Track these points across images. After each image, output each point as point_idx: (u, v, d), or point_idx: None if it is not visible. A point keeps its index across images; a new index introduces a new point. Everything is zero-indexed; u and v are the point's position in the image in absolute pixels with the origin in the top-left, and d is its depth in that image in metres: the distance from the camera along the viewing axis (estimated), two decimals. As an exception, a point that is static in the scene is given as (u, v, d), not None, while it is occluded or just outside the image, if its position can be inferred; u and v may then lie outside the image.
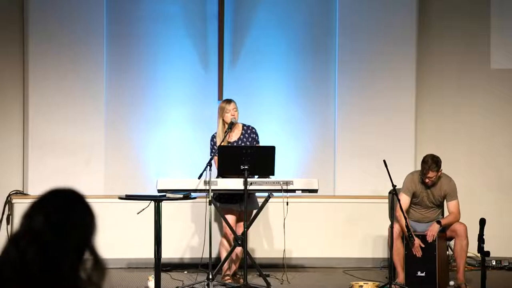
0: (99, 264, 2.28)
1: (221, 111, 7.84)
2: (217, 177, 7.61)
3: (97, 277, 2.27)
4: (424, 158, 7.80)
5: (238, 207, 7.77)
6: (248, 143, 7.86)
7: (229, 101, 7.86)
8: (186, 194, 7.38)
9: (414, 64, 9.22)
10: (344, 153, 9.19)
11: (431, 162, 7.71)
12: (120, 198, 7.39)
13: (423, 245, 7.70)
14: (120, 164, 9.06)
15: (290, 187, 7.50)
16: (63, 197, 2.33)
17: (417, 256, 7.70)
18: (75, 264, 2.27)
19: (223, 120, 7.83)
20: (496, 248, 8.48)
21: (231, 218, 7.76)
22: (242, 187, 7.39)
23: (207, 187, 7.35)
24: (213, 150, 7.83)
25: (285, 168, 8.77)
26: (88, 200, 2.36)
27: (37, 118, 8.91)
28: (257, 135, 7.93)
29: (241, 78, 9.17)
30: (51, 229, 2.25)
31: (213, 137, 7.90)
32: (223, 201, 7.78)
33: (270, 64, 9.19)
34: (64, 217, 2.28)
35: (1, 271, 2.24)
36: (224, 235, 7.98)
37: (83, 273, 2.26)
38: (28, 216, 2.28)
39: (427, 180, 7.78)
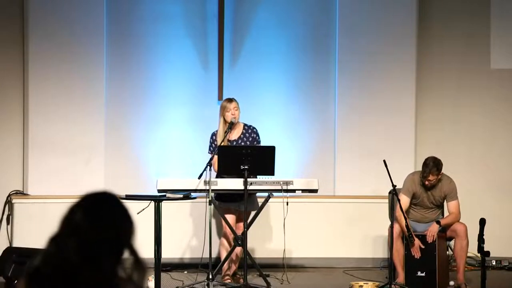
0: (139, 264, 2.32)
1: (222, 110, 7.84)
2: (216, 177, 7.61)
3: (137, 277, 2.30)
4: (426, 160, 7.79)
5: (236, 206, 7.77)
6: (248, 142, 7.87)
7: (230, 100, 7.86)
8: (186, 194, 7.38)
9: (414, 64, 9.22)
10: (344, 153, 9.19)
11: (432, 165, 7.70)
12: (120, 198, 7.37)
13: (422, 246, 7.70)
14: (120, 164, 9.06)
15: (290, 187, 7.51)
16: (100, 198, 2.39)
17: (416, 257, 7.70)
18: (114, 262, 2.30)
19: (224, 119, 7.83)
20: (496, 248, 8.47)
21: (229, 217, 7.76)
22: (242, 187, 7.39)
23: (207, 187, 7.35)
24: (211, 148, 7.85)
25: (285, 168, 8.77)
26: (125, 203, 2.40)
27: (37, 118, 8.91)
28: (258, 135, 7.94)
29: (241, 78, 9.17)
30: (90, 225, 2.31)
31: (213, 134, 7.91)
32: (221, 200, 7.78)
33: (270, 64, 9.19)
34: (102, 215, 2.34)
35: (40, 268, 2.26)
36: (223, 235, 7.98)
37: (123, 272, 2.29)
38: (67, 214, 2.33)
39: (426, 183, 7.78)
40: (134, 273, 2.32)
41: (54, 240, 2.30)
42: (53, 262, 2.26)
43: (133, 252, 2.34)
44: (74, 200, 2.37)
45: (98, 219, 2.32)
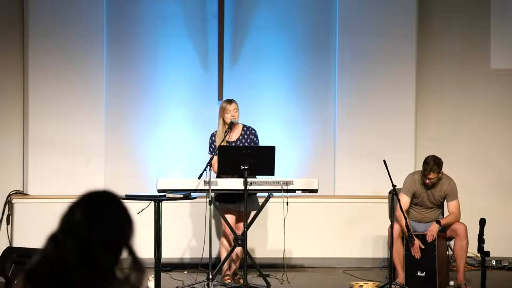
0: (137, 265, 2.29)
1: (222, 111, 7.84)
2: (216, 177, 7.61)
3: (135, 277, 2.28)
4: (426, 159, 7.80)
5: (237, 206, 7.77)
6: (246, 143, 7.86)
7: (230, 101, 7.86)
8: (186, 194, 7.38)
9: (414, 64, 9.22)
10: (344, 153, 9.19)
11: (433, 164, 7.71)
12: (120, 198, 7.37)
13: (422, 246, 7.70)
14: (120, 164, 9.06)
15: (290, 187, 7.51)
16: (100, 197, 2.36)
17: (416, 257, 7.70)
18: (111, 262, 2.27)
19: (223, 120, 7.83)
20: (496, 248, 8.47)
21: (230, 217, 7.76)
22: (242, 187, 7.39)
23: (207, 187, 7.35)
24: (211, 149, 7.85)
25: (285, 168, 8.77)
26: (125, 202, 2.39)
27: (37, 118, 8.92)
28: (256, 137, 7.93)
29: (241, 78, 9.17)
30: (88, 225, 2.28)
31: (212, 135, 7.91)
32: (222, 200, 7.78)
33: (270, 64, 9.19)
34: (101, 215, 2.31)
35: (38, 268, 2.24)
36: (223, 235, 7.98)
37: (120, 272, 2.27)
38: (66, 214, 2.31)
39: (427, 181, 7.78)
40: (132, 273, 2.29)
41: (53, 240, 2.28)
42: (51, 262, 2.24)
43: (132, 253, 2.31)
44: (73, 200, 2.35)
45: (97, 220, 2.29)
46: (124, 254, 2.30)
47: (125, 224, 2.34)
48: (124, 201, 2.45)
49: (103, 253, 2.27)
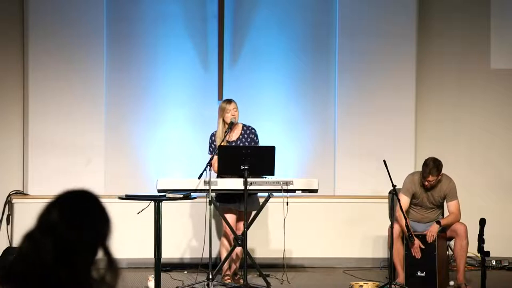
0: (112, 265, 2.29)
1: (221, 111, 7.84)
2: (217, 177, 7.62)
3: (110, 278, 2.27)
4: (426, 160, 7.78)
5: (237, 206, 7.77)
6: (246, 143, 7.86)
7: (229, 101, 7.87)
8: (186, 194, 7.38)
9: (414, 64, 9.22)
10: (344, 153, 9.19)
11: (432, 166, 7.69)
12: (120, 198, 7.39)
13: (422, 246, 7.70)
14: (120, 164, 9.06)
15: (290, 187, 7.51)
16: (78, 197, 2.35)
17: (416, 257, 7.70)
18: (88, 262, 2.27)
19: (223, 120, 7.83)
20: (496, 248, 8.47)
21: (231, 217, 7.76)
22: (242, 187, 7.39)
23: (207, 187, 7.35)
24: (211, 149, 7.85)
25: (285, 168, 8.77)
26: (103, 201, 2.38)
27: (37, 118, 8.92)
28: (256, 136, 7.93)
29: (241, 78, 9.17)
30: (66, 225, 2.27)
31: (212, 135, 7.91)
32: (222, 201, 7.78)
33: (270, 64, 9.19)
34: (78, 215, 2.30)
35: (14, 266, 2.24)
36: (224, 235, 7.98)
37: (96, 272, 2.26)
38: (43, 212, 2.30)
39: (426, 183, 7.77)
40: (107, 274, 2.28)
41: (29, 238, 2.27)
42: (27, 261, 2.24)
43: (108, 253, 2.31)
44: (51, 199, 2.34)
45: (74, 220, 2.28)
46: (100, 254, 2.30)
47: (102, 225, 2.33)
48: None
49: (81, 253, 2.26)
